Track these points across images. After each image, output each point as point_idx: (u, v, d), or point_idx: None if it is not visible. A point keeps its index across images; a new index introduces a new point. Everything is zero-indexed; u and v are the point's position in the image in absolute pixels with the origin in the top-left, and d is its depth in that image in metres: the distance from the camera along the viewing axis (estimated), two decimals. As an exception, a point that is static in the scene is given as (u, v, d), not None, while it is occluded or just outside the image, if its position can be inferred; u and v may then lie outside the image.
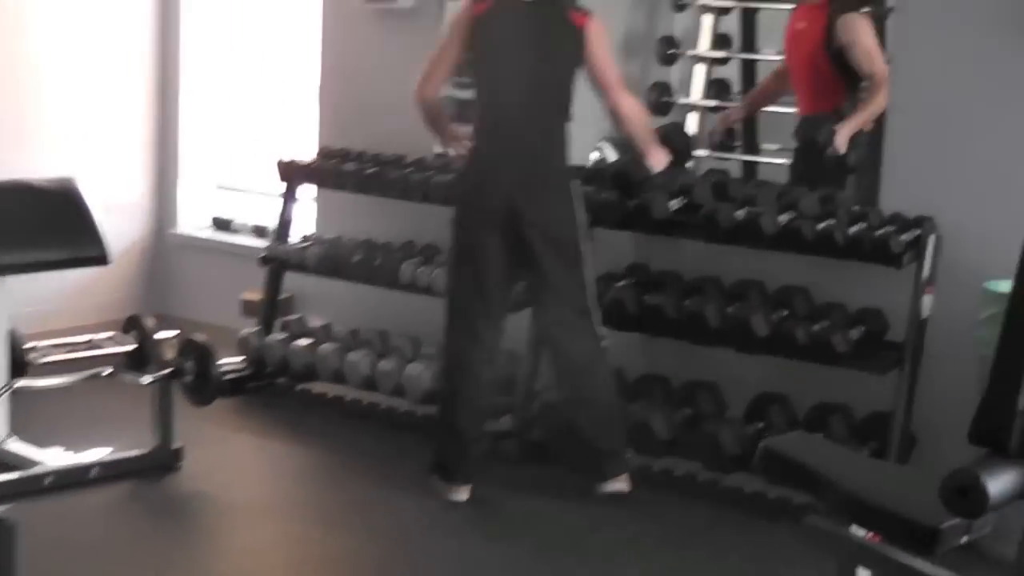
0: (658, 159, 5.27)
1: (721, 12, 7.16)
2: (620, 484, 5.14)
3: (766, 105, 6.62)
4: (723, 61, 7.13)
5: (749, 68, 7.02)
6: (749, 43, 7.15)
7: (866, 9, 5.83)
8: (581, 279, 5.08)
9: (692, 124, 7.20)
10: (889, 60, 5.40)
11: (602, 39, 5.07)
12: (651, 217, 5.37)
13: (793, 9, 6.05)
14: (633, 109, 5.19)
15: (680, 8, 7.27)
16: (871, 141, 5.58)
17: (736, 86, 7.11)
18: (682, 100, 7.19)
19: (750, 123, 7.13)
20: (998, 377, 2.72)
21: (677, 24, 7.31)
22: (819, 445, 3.70)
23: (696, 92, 7.20)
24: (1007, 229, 4.78)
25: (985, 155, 4.98)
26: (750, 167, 7.07)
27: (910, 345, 4.89)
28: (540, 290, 5.11)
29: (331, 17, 6.97)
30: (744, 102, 6.73)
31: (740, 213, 5.19)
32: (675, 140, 5.65)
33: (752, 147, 7.12)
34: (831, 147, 5.56)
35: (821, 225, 5.03)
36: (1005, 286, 4.52)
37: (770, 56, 6.61)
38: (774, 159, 6.80)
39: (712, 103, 7.12)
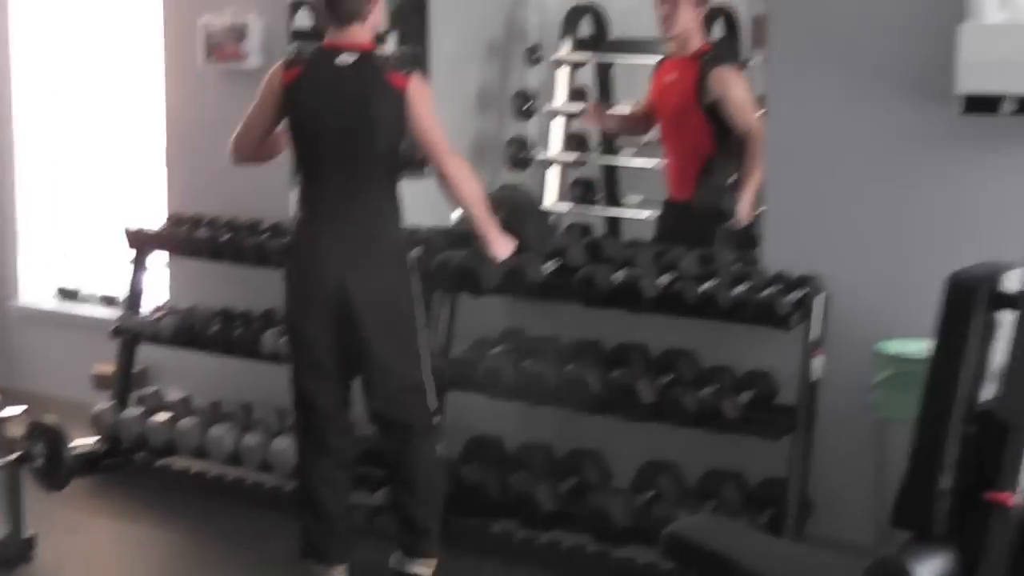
0: (500, 248, 4.83)
1: (576, 66, 7.13)
2: (425, 569, 4.82)
3: (629, 132, 6.58)
4: (580, 115, 7.09)
5: (607, 121, 6.97)
6: (606, 96, 7.13)
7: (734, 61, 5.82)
8: (415, 354, 4.77)
9: (552, 178, 7.15)
10: (765, 113, 5.30)
11: (425, 100, 4.67)
12: (524, 281, 5.20)
13: (660, 61, 5.97)
14: (461, 174, 4.71)
15: (535, 62, 7.26)
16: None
17: (595, 139, 7.07)
18: (540, 155, 7.15)
19: (610, 176, 7.09)
20: (918, 457, 2.66)
21: (533, 78, 7.29)
22: (729, 529, 3.52)
23: (554, 146, 7.15)
24: (897, 287, 4.77)
25: (871, 210, 4.91)
26: (613, 221, 7.02)
27: (802, 409, 4.76)
28: (370, 366, 4.75)
29: (174, 77, 6.68)
30: (622, 115, 6.55)
31: (618, 275, 5.05)
32: (520, 229, 4.90)
33: (614, 200, 7.08)
34: (734, 219, 5.49)
35: (703, 287, 4.90)
36: (897, 347, 4.49)
37: (627, 109, 6.51)
38: (637, 212, 6.75)
39: (572, 157, 7.07)
